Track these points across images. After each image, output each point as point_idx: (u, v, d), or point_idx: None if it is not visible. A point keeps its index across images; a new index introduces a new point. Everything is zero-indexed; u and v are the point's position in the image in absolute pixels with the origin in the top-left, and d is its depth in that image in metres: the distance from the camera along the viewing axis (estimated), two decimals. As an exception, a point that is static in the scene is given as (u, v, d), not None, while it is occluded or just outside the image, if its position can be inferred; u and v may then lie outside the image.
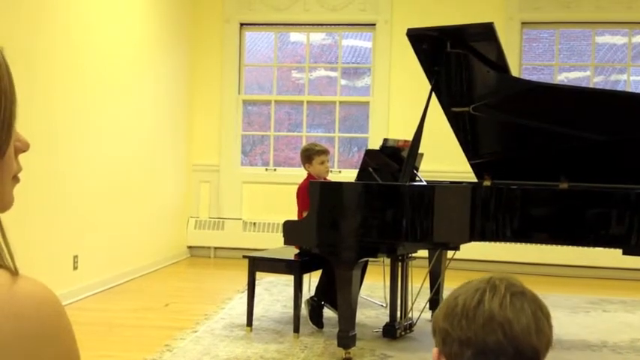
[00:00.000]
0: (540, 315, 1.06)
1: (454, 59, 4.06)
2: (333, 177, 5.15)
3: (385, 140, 4.48)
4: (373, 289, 5.24)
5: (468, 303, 1.06)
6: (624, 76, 7.04)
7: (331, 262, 3.87)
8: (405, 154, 4.15)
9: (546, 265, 6.55)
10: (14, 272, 0.70)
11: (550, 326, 1.07)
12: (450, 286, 5.54)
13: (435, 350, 1.11)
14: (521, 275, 6.29)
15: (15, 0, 4.36)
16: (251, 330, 4.33)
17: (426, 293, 4.66)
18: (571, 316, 4.96)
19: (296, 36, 7.63)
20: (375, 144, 5.92)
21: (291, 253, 4.42)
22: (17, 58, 4.46)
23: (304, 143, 6.97)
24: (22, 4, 4.42)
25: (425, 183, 4.15)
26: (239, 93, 7.44)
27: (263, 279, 5.72)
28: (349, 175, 6.38)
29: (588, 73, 7.04)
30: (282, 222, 4.09)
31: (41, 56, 4.61)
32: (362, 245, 3.72)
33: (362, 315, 4.66)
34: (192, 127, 7.37)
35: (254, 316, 4.40)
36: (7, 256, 0.71)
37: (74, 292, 4.97)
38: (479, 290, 1.07)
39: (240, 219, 7.27)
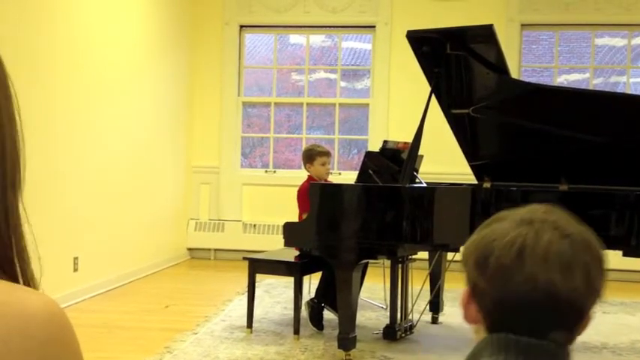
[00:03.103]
0: (591, 266, 0.91)
1: (454, 61, 4.06)
2: (332, 179, 5.15)
3: (385, 142, 4.48)
4: (373, 290, 5.24)
5: (505, 257, 0.91)
6: (624, 78, 7.04)
7: (331, 264, 3.87)
8: (404, 155, 4.15)
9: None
10: (24, 285, 0.71)
11: (602, 272, 0.93)
12: (451, 287, 5.53)
13: (465, 291, 0.98)
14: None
15: (16, 2, 4.37)
16: (251, 332, 4.33)
17: (427, 295, 4.66)
18: (571, 318, 4.95)
19: (296, 38, 7.63)
20: (374, 146, 5.92)
21: (291, 254, 4.42)
22: (18, 61, 4.47)
23: (304, 145, 6.98)
24: (24, 7, 4.42)
25: (425, 185, 4.15)
26: (239, 95, 7.45)
27: (263, 281, 5.72)
28: (349, 176, 6.39)
29: (588, 75, 7.04)
30: (282, 224, 4.10)
31: (42, 59, 4.61)
32: (362, 247, 3.72)
33: (362, 317, 4.66)
34: (192, 128, 7.37)
35: (254, 318, 4.40)
36: (20, 269, 0.72)
37: (74, 293, 4.97)
38: (518, 240, 0.92)
39: (240, 221, 7.27)
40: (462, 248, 1.00)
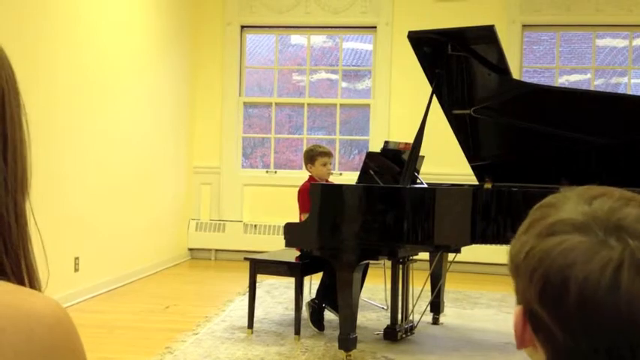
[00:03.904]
0: None
1: (455, 62, 4.06)
2: (333, 179, 5.15)
3: (386, 143, 4.49)
4: (374, 291, 5.24)
5: (591, 290, 0.65)
6: (625, 79, 7.04)
7: (332, 265, 3.87)
8: (405, 156, 4.15)
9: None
10: (30, 288, 0.71)
11: None
12: (451, 289, 5.51)
13: (518, 311, 0.73)
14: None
15: (19, 2, 4.37)
16: (252, 332, 4.33)
17: (427, 296, 4.66)
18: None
19: (297, 38, 7.64)
20: (375, 146, 5.92)
21: (292, 255, 4.42)
22: (19, 61, 4.45)
23: (305, 146, 6.99)
24: (25, 6, 4.42)
25: (426, 185, 4.15)
26: (240, 95, 7.45)
27: (264, 281, 5.72)
28: (350, 177, 6.39)
29: (589, 75, 7.04)
30: (283, 224, 4.10)
31: (44, 60, 4.61)
32: (363, 248, 3.72)
33: (363, 317, 4.66)
34: (193, 129, 7.37)
35: (255, 319, 4.40)
36: (26, 271, 0.73)
37: (75, 294, 4.97)
38: (609, 270, 0.65)
39: (241, 221, 7.27)
40: (510, 250, 0.75)
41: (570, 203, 0.72)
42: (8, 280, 0.70)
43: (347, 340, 3.75)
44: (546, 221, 0.71)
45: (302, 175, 4.90)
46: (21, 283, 0.72)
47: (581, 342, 0.67)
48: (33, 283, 0.74)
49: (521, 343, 0.74)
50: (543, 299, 0.68)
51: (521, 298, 0.72)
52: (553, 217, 0.71)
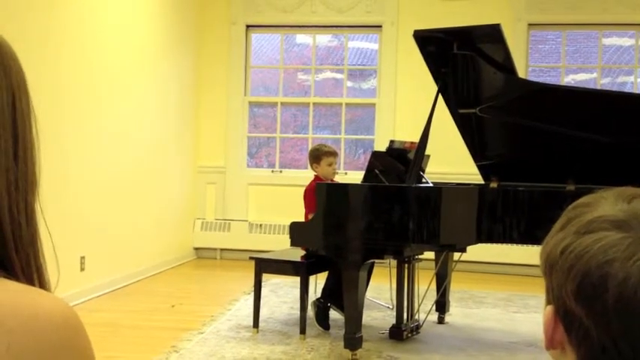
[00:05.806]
0: None
1: (461, 61, 4.05)
2: (339, 179, 5.15)
3: (392, 142, 4.48)
4: (379, 290, 5.23)
5: (632, 290, 0.63)
6: (631, 78, 7.02)
7: (338, 264, 3.87)
8: (411, 155, 4.15)
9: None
10: (40, 288, 0.71)
11: None
12: (457, 288, 5.51)
13: (549, 311, 0.71)
14: (529, 277, 6.23)
15: (25, 2, 4.38)
16: (257, 331, 4.33)
17: (433, 295, 4.65)
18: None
19: (302, 38, 7.63)
20: (381, 146, 5.91)
21: (297, 254, 4.42)
22: (26, 63, 4.45)
23: (310, 145, 6.98)
24: (33, 7, 4.43)
25: (431, 184, 4.15)
26: (245, 95, 7.45)
27: (269, 280, 5.73)
28: (355, 176, 6.38)
29: (595, 74, 7.02)
30: (289, 223, 4.10)
31: (50, 59, 4.62)
32: (368, 247, 3.71)
33: (368, 317, 4.65)
34: (199, 128, 7.38)
35: (260, 318, 4.40)
36: (36, 271, 0.73)
37: (81, 293, 4.98)
38: None
39: (246, 220, 7.27)
40: (543, 249, 0.72)
41: (608, 202, 0.70)
42: (18, 279, 0.70)
43: (352, 339, 3.75)
44: (584, 218, 0.69)
45: (307, 175, 4.90)
46: (31, 283, 0.72)
47: (619, 343, 0.64)
48: (42, 283, 0.74)
49: (550, 343, 0.71)
50: (580, 297, 0.65)
51: (555, 297, 0.69)
52: (591, 214, 0.69)
